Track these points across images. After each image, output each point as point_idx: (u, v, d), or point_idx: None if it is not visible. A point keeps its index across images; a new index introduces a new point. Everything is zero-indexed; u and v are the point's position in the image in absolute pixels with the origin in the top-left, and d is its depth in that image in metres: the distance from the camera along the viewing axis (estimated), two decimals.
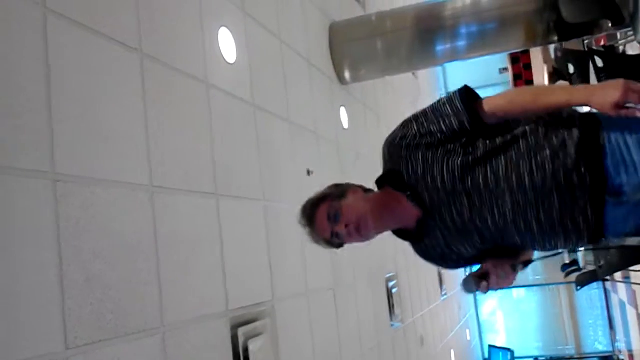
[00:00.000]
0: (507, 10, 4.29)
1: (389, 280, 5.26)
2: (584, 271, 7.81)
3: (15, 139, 1.64)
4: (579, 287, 7.16)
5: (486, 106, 1.78)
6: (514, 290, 13.02)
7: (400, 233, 1.99)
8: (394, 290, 5.30)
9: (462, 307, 10.00)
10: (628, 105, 1.60)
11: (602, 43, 6.81)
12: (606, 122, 1.71)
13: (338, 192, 1.93)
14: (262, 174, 3.11)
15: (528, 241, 1.82)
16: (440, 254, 1.94)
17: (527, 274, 12.93)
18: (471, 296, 11.91)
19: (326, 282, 3.79)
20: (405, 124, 1.86)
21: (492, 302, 12.97)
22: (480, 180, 1.74)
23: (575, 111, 1.81)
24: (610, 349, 11.55)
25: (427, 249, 1.96)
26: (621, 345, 10.50)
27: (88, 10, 1.99)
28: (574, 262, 8.54)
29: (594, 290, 11.72)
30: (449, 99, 1.81)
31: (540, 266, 12.94)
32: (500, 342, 12.11)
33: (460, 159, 1.76)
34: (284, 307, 3.07)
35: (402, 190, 1.86)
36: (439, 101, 1.84)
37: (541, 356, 12.38)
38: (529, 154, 1.71)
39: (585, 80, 5.16)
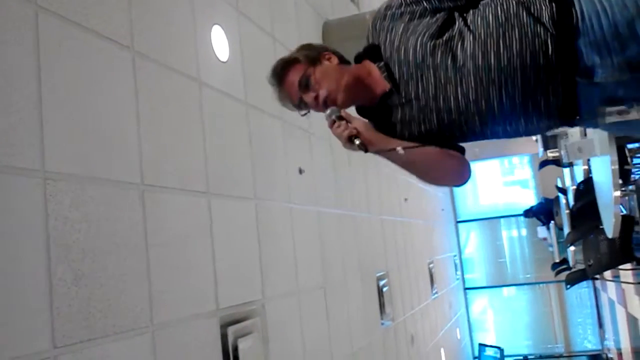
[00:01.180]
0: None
1: (379, 278, 5.27)
2: (573, 270, 7.85)
3: (4, 137, 1.64)
4: (568, 286, 7.19)
5: None
6: (504, 288, 13.08)
7: (363, 111, 1.95)
8: (384, 289, 5.31)
9: (452, 305, 10.03)
10: None
11: None
12: (580, 6, 1.61)
13: (312, 56, 1.89)
14: (254, 173, 3.10)
15: (488, 126, 1.76)
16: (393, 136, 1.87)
17: (517, 273, 13.00)
18: (462, 295, 11.95)
19: (316, 281, 3.80)
20: None
21: (482, 300, 13.01)
22: (449, 57, 1.70)
23: None
24: (599, 348, 11.61)
25: (383, 129, 1.88)
26: (610, 343, 10.55)
27: (79, 8, 1.98)
28: (564, 261, 8.57)
29: (583, 289, 11.77)
30: None
31: (531, 265, 13.01)
32: (490, 341, 12.16)
33: (435, 33, 1.72)
34: (274, 305, 3.07)
35: (376, 61, 1.83)
36: None
37: (531, 354, 12.43)
38: (497, 30, 1.66)
39: None
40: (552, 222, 9.69)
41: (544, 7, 1.64)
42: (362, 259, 4.84)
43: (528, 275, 12.95)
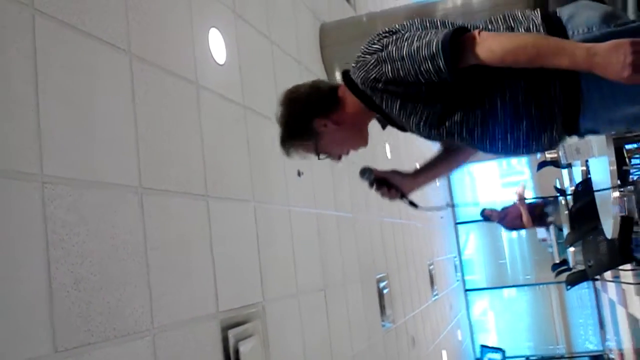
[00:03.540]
0: (498, 10, 4.25)
1: (379, 280, 5.27)
2: (573, 271, 7.84)
3: (2, 141, 1.63)
4: (569, 287, 7.18)
5: (480, 51, 1.59)
6: (505, 290, 13.07)
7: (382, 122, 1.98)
8: (385, 291, 5.30)
9: (453, 307, 10.02)
10: None
11: None
12: (585, 87, 1.64)
13: (307, 130, 1.87)
14: (253, 175, 3.10)
15: (491, 132, 1.74)
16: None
17: (517, 274, 13.00)
18: (462, 296, 11.95)
19: (317, 283, 3.79)
20: (378, 63, 1.69)
21: (483, 302, 13.00)
22: (455, 134, 1.76)
23: None
24: (601, 348, 11.60)
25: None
26: (611, 344, 10.54)
27: (76, 11, 1.98)
28: (564, 262, 8.57)
29: (584, 290, 11.77)
30: (430, 48, 1.59)
31: (531, 266, 13.00)
32: (491, 342, 12.15)
33: (434, 123, 1.73)
34: (274, 308, 3.07)
35: (375, 112, 1.85)
36: (417, 43, 1.63)
37: (532, 356, 12.42)
38: (505, 129, 1.69)
39: None
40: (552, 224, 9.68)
41: (558, 96, 1.66)
42: (362, 261, 4.84)
43: (528, 277, 12.95)
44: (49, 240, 1.73)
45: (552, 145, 1.76)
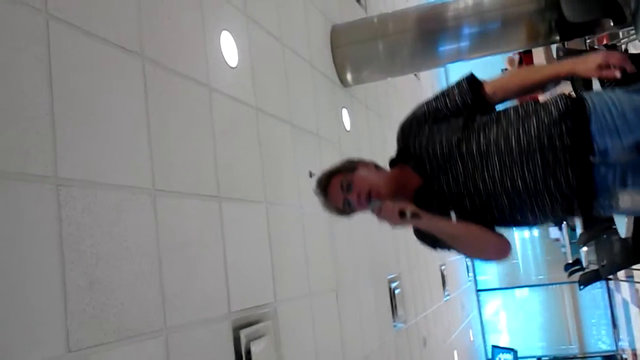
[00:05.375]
0: (509, 10, 4.29)
1: (391, 281, 5.27)
2: (586, 270, 7.81)
3: (18, 144, 1.66)
4: (581, 287, 7.16)
5: (488, 86, 2.04)
6: (517, 290, 13.02)
7: None
8: (396, 291, 5.30)
9: (465, 307, 10.00)
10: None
11: (604, 42, 6.80)
12: (591, 97, 1.86)
13: (350, 165, 2.09)
14: (265, 176, 3.11)
15: (516, 206, 1.91)
16: None
17: (529, 274, 12.95)
18: (474, 296, 11.92)
19: (328, 284, 3.80)
20: (418, 107, 2.09)
21: (495, 302, 12.96)
22: (474, 146, 1.91)
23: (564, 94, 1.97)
24: (614, 348, 11.54)
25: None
26: (624, 344, 10.49)
27: (89, 15, 2.00)
28: (577, 262, 8.53)
29: (597, 290, 11.71)
30: (457, 82, 2.06)
31: (543, 266, 12.95)
32: (503, 342, 12.11)
33: (459, 130, 1.95)
34: (286, 308, 3.08)
35: (408, 161, 2.03)
36: (448, 86, 2.07)
37: (544, 356, 12.38)
38: (517, 121, 1.89)
39: (587, 81, 5.16)
40: (565, 222, 9.64)
41: (559, 101, 1.88)
42: (374, 262, 4.84)
43: (541, 277, 12.89)
44: (64, 242, 1.76)
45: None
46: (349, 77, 4.68)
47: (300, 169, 3.59)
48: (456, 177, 1.93)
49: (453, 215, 1.94)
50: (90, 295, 1.82)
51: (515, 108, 1.94)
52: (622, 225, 5.46)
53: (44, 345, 1.65)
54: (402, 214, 1.90)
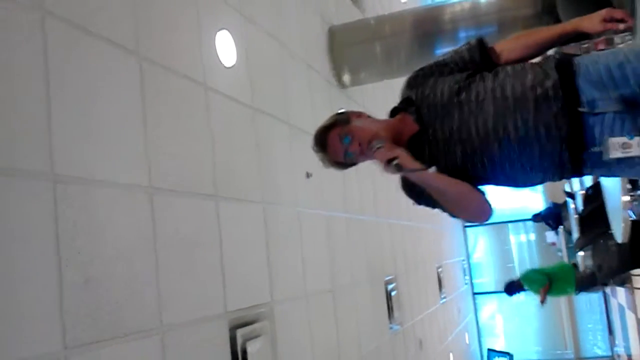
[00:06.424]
0: (506, 14, 4.30)
1: (388, 282, 5.27)
2: (583, 275, 7.81)
3: (15, 140, 1.65)
4: (578, 291, 7.16)
5: (495, 47, 2.12)
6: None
7: None
8: (393, 293, 5.30)
9: (461, 310, 10.00)
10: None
11: (601, 47, 6.82)
12: (579, 57, 1.98)
13: (344, 117, 2.13)
14: (262, 176, 3.11)
15: (506, 156, 1.95)
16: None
17: None
18: (470, 299, 11.92)
19: (325, 285, 3.80)
20: (427, 64, 2.16)
21: (491, 305, 12.96)
22: (472, 94, 1.98)
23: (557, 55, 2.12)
24: (609, 354, 11.52)
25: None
26: (620, 349, 10.48)
27: (86, 13, 2.00)
28: (574, 266, 8.54)
29: (593, 295, 11.70)
30: (467, 41, 2.15)
31: None
32: (499, 346, 12.11)
33: (461, 81, 2.02)
34: (282, 309, 3.08)
35: (408, 109, 2.10)
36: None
37: None
38: (514, 74, 1.98)
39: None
40: (561, 226, 9.65)
41: (550, 60, 2.00)
42: (371, 263, 4.84)
43: None
44: (60, 239, 1.75)
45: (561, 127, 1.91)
46: (346, 78, 4.69)
47: (298, 169, 3.59)
48: (451, 123, 1.99)
49: (433, 169, 1.93)
50: (85, 293, 1.81)
51: (513, 65, 2.04)
52: (619, 230, 5.46)
53: (40, 341, 1.64)
54: (389, 161, 1.90)
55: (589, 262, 7.82)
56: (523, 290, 7.08)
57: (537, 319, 12.95)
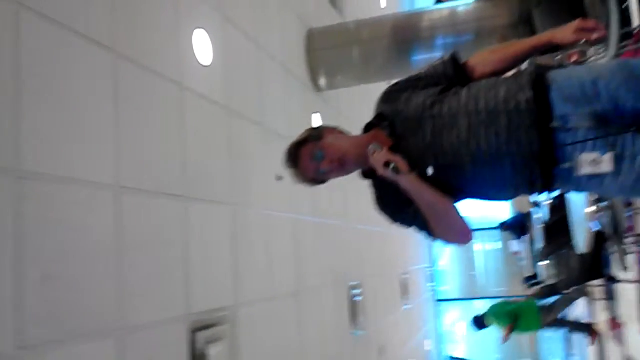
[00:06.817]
0: (483, 23, 4.33)
1: (352, 288, 5.27)
2: (543, 285, 7.93)
3: None
4: (538, 300, 7.26)
5: (469, 62, 2.13)
6: (475, 301, 13.14)
7: (368, 175, 2.17)
8: (357, 299, 5.30)
9: (423, 317, 10.05)
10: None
11: (574, 59, 6.90)
12: (553, 72, 1.97)
13: (317, 133, 2.13)
14: (232, 178, 3.09)
15: (479, 171, 1.95)
16: (394, 190, 2.01)
17: (488, 286, 13.07)
18: (433, 306, 11.99)
19: (289, 289, 3.78)
20: (402, 78, 2.17)
21: (454, 312, 13.06)
22: (445, 107, 1.99)
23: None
24: None
25: (385, 187, 2.07)
26: (576, 359, 10.64)
27: (62, 7, 1.96)
28: (535, 276, 8.66)
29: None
30: (441, 56, 2.16)
31: (502, 278, 13.08)
32: (460, 353, 12.20)
33: (434, 95, 2.03)
34: (246, 312, 3.05)
35: (381, 124, 2.11)
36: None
37: None
38: (487, 88, 1.98)
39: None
40: (525, 235, 9.77)
41: (524, 74, 1.99)
42: (337, 268, 4.84)
43: (500, 289, 13.01)
44: (22, 235, 1.71)
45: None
46: (322, 81, 4.67)
47: (270, 172, 3.56)
48: (424, 137, 1.99)
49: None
50: (44, 291, 1.77)
51: (487, 79, 2.05)
52: (581, 240, 5.53)
53: None
54: (386, 164, 1.94)
55: (552, 272, 7.93)
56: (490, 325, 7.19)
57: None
